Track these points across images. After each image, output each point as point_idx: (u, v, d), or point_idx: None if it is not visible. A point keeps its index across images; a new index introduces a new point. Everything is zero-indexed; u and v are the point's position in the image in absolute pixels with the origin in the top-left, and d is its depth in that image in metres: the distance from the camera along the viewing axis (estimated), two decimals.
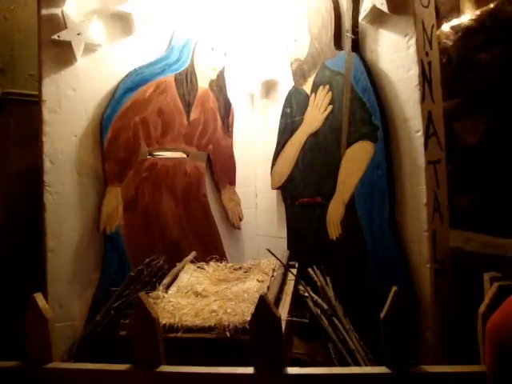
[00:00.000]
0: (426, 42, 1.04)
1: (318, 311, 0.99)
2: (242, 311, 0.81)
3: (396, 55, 1.07)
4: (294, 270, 1.10)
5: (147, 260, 1.11)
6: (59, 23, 1.17)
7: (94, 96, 1.25)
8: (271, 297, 0.85)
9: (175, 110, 1.38)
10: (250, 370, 0.67)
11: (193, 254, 1.21)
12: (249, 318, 0.71)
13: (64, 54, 1.18)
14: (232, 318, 0.79)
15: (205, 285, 0.99)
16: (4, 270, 1.27)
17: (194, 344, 0.78)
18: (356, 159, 1.15)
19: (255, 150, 1.62)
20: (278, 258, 1.06)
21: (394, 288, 0.66)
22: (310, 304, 1.00)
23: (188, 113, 1.41)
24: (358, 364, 0.90)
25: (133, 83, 1.29)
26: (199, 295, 0.92)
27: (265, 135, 1.57)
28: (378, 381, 0.66)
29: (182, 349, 0.77)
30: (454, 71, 1.18)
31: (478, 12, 1.14)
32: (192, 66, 1.42)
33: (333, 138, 1.23)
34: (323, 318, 0.98)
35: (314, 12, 1.30)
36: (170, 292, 0.94)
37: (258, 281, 0.99)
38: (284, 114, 1.45)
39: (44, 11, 1.17)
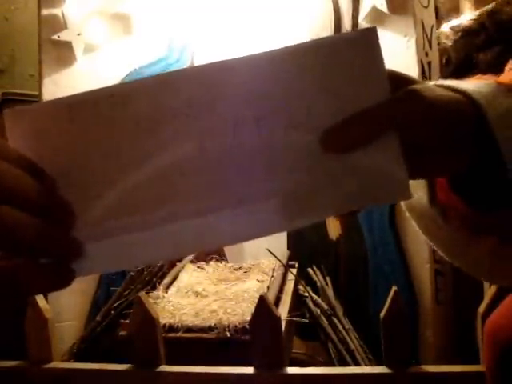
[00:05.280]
0: (426, 42, 1.04)
1: (318, 311, 0.99)
2: (241, 311, 0.81)
3: (396, 55, 1.07)
4: (294, 270, 1.10)
5: None
6: (59, 23, 1.17)
7: None
8: (271, 297, 0.85)
9: None
10: (249, 369, 0.67)
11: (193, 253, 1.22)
12: (249, 318, 0.71)
13: (64, 55, 1.18)
14: (232, 318, 0.79)
15: (205, 285, 0.99)
16: None
17: (194, 344, 0.78)
18: None
19: None
20: (277, 258, 1.06)
21: (394, 288, 0.66)
22: (310, 304, 1.01)
23: None
24: (357, 364, 0.90)
25: None
26: (199, 295, 0.93)
27: None
28: (377, 380, 0.66)
29: (182, 349, 0.77)
30: (454, 71, 1.18)
31: (477, 12, 1.14)
32: (192, 66, 1.42)
33: None
34: (323, 318, 0.98)
35: (313, 13, 1.31)
36: (170, 292, 0.94)
37: (258, 281, 0.99)
38: None
39: (44, 11, 1.17)
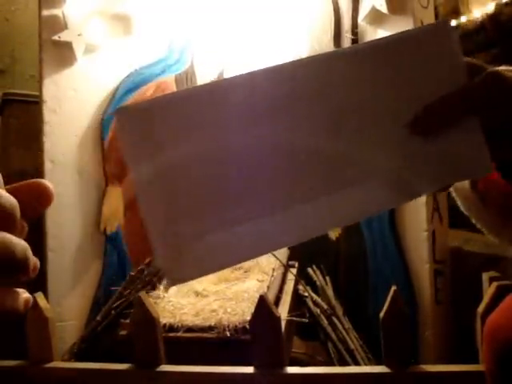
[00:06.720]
0: None
1: (318, 311, 0.99)
2: (242, 311, 0.81)
3: None
4: (294, 270, 1.10)
5: (148, 260, 1.11)
6: (60, 24, 1.17)
7: (95, 96, 1.25)
8: (271, 296, 0.85)
9: None
10: (249, 369, 0.67)
11: None
12: (249, 318, 0.71)
13: (64, 55, 1.19)
14: (232, 318, 0.79)
15: (205, 284, 0.99)
16: None
17: (194, 343, 0.78)
18: None
19: None
20: (277, 258, 1.06)
21: (394, 287, 0.66)
22: (310, 303, 1.01)
23: None
24: (357, 363, 0.90)
25: (133, 84, 1.30)
26: (199, 295, 0.93)
27: None
28: (377, 380, 0.66)
29: (182, 348, 0.77)
30: None
31: (476, 13, 1.14)
32: (192, 66, 1.42)
33: None
34: (323, 318, 0.98)
35: (313, 13, 1.31)
36: (170, 292, 0.95)
37: (258, 280, 0.99)
38: None
39: (45, 12, 1.17)
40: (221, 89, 0.33)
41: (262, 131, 0.33)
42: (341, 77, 0.35)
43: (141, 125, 0.31)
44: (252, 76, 0.34)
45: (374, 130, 0.36)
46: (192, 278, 0.34)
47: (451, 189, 0.50)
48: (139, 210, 0.32)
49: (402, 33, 0.38)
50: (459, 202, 0.50)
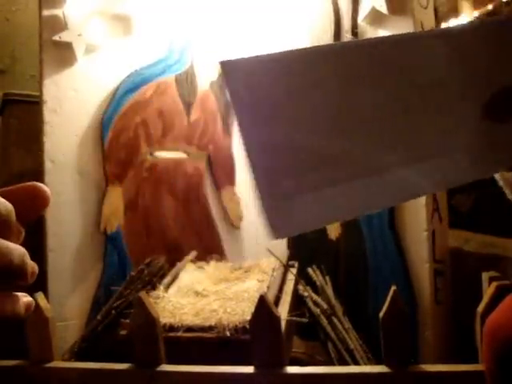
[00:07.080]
0: None
1: (318, 310, 0.99)
2: (242, 311, 0.81)
3: None
4: (294, 270, 1.11)
5: (148, 260, 1.11)
6: (60, 24, 1.17)
7: (95, 96, 1.25)
8: (271, 296, 0.85)
9: (176, 111, 1.38)
10: (249, 369, 0.67)
11: (193, 253, 1.22)
12: (249, 318, 0.71)
13: (65, 55, 1.19)
14: (232, 318, 0.79)
15: (205, 284, 0.99)
16: None
17: (194, 343, 0.79)
18: None
19: None
20: (278, 258, 1.07)
21: (393, 287, 0.67)
22: (310, 303, 1.01)
23: (188, 113, 1.41)
24: (357, 363, 0.90)
25: (133, 84, 1.30)
26: (199, 295, 0.93)
27: None
28: (377, 380, 0.66)
29: (182, 348, 0.77)
30: None
31: (476, 13, 1.14)
32: (192, 66, 1.42)
33: None
34: (322, 318, 0.98)
35: (313, 14, 1.31)
36: (170, 291, 0.95)
37: (258, 280, 0.99)
38: None
39: (45, 12, 1.17)
40: (333, 51, 0.35)
41: (365, 95, 0.35)
42: (419, 57, 0.37)
43: (249, 79, 0.31)
44: (370, 41, 0.37)
45: (454, 108, 0.38)
46: (294, 233, 0.35)
47: (498, 177, 0.53)
48: (247, 165, 0.32)
49: (476, 22, 0.39)
50: (507, 191, 0.54)
